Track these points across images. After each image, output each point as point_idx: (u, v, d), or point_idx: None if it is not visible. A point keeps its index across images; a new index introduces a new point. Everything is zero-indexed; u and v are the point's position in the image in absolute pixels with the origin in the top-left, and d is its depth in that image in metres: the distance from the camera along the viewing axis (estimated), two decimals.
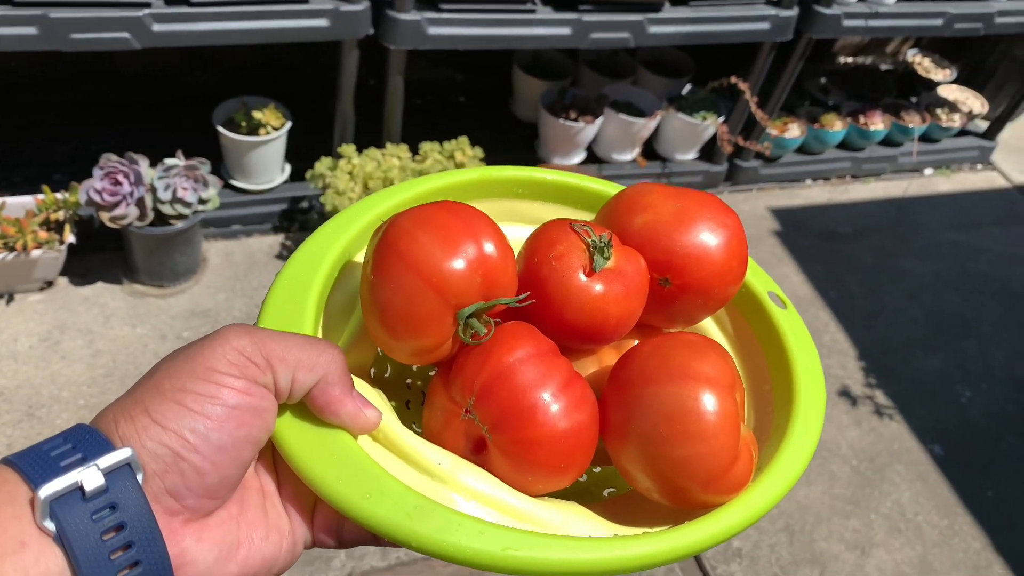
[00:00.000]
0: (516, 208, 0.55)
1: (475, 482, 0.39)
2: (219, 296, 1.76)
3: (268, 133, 1.76)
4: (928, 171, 2.66)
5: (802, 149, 2.44)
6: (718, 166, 2.30)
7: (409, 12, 1.60)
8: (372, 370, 0.52)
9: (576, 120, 2.04)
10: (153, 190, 1.56)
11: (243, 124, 1.76)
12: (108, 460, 0.31)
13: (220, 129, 1.75)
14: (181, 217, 1.60)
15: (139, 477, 0.32)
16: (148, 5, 1.43)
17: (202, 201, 1.61)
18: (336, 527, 0.40)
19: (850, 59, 2.82)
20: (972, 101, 2.75)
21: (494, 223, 0.42)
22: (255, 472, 0.39)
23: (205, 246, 1.84)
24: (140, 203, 1.54)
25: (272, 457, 0.40)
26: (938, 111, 2.61)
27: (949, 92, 2.77)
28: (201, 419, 0.33)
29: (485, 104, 2.30)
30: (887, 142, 2.55)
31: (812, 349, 0.49)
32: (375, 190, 1.70)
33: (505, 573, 0.36)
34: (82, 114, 1.93)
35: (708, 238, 0.46)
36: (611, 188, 0.54)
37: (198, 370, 0.34)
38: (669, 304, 0.47)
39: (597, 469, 0.53)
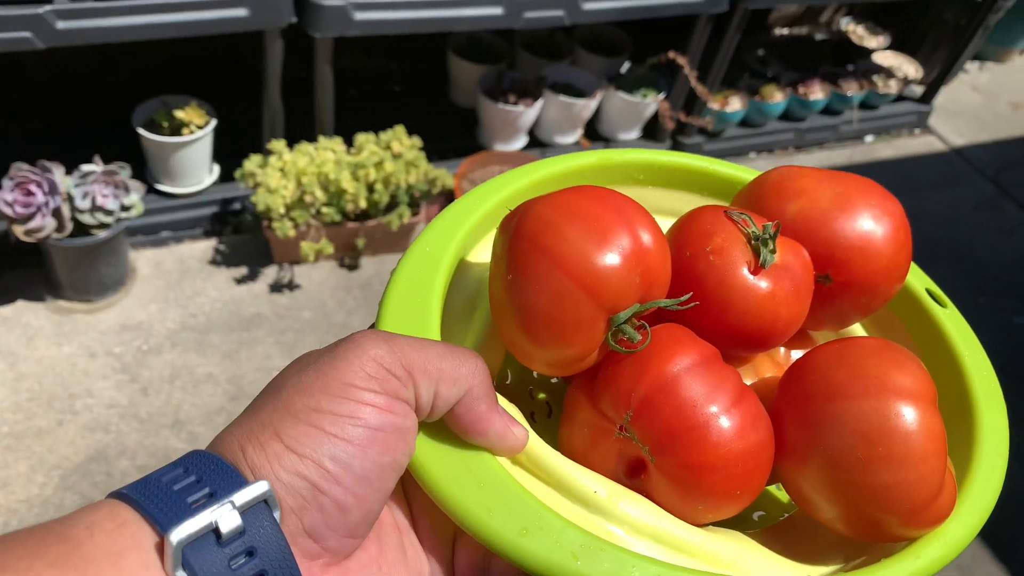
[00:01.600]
0: (637, 196, 0.48)
1: (638, 513, 0.35)
2: (151, 307, 1.67)
3: (192, 133, 1.67)
4: (869, 138, 2.67)
5: (744, 122, 2.42)
6: (661, 144, 2.27)
7: None
8: (494, 379, 0.46)
9: (516, 104, 1.98)
10: (70, 199, 1.46)
11: (165, 125, 1.67)
12: (243, 496, 0.27)
13: (141, 131, 1.65)
14: (103, 226, 1.51)
15: (276, 516, 0.28)
16: (50, 1, 1.33)
17: (124, 208, 1.51)
18: (482, 567, 0.35)
19: (786, 30, 2.81)
20: (907, 66, 2.77)
21: (645, 210, 0.37)
22: (386, 506, 0.34)
23: (133, 255, 1.74)
24: (57, 214, 1.45)
25: (403, 488, 0.35)
26: (875, 78, 2.61)
27: (884, 59, 2.78)
28: (342, 444, 0.29)
29: (422, 92, 2.23)
30: (827, 111, 2.55)
31: (982, 354, 0.43)
32: (308, 186, 1.63)
33: None
34: None
35: (874, 228, 0.41)
36: (744, 173, 0.49)
37: (333, 386, 0.29)
38: (825, 304, 0.42)
39: None
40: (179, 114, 1.66)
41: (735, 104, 2.33)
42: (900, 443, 0.34)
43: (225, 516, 0.26)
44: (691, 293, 0.37)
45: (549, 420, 0.47)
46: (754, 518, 0.45)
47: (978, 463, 0.39)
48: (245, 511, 0.27)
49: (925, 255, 2.31)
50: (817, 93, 2.45)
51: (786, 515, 0.44)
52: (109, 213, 1.49)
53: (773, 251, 0.39)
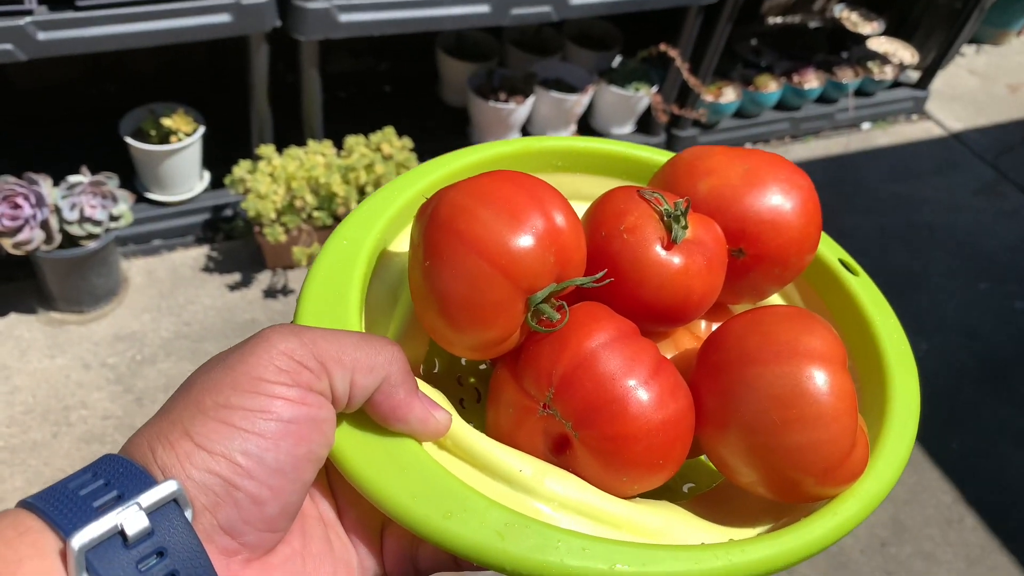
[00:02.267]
0: (556, 183, 0.49)
1: (563, 488, 0.35)
2: (144, 317, 1.66)
3: (180, 140, 1.66)
4: (866, 125, 2.65)
5: (739, 113, 2.40)
6: (656, 137, 2.25)
7: (317, 0, 1.51)
8: (421, 367, 0.47)
9: (507, 101, 1.97)
10: (58, 211, 1.45)
11: (153, 133, 1.66)
12: (151, 497, 0.26)
13: (128, 140, 1.64)
14: (92, 237, 1.50)
15: (188, 514, 0.27)
16: (30, 12, 1.32)
17: (113, 218, 1.51)
18: (410, 555, 0.35)
19: (779, 19, 2.79)
20: (902, 52, 2.74)
21: (558, 192, 0.38)
22: (311, 499, 0.34)
23: (125, 265, 1.73)
24: (45, 226, 1.44)
25: (328, 480, 0.36)
26: (870, 64, 2.59)
27: (879, 45, 2.75)
28: (253, 438, 0.28)
29: (412, 92, 2.22)
30: (823, 99, 2.53)
31: (893, 318, 0.45)
32: (299, 191, 1.62)
33: None
34: None
35: (783, 201, 0.42)
36: (659, 155, 0.50)
37: (242, 381, 0.29)
38: (740, 277, 0.43)
39: None
40: (167, 122, 1.65)
41: (729, 95, 2.31)
42: (811, 404, 0.35)
43: (131, 518, 0.26)
44: (606, 270, 0.38)
45: (478, 405, 0.47)
46: (684, 490, 0.46)
47: (890, 422, 0.40)
48: (153, 512, 0.26)
49: (925, 241, 2.29)
50: (812, 81, 2.43)
51: (714, 485, 0.44)
52: (98, 223, 1.48)
53: (685, 227, 0.39)
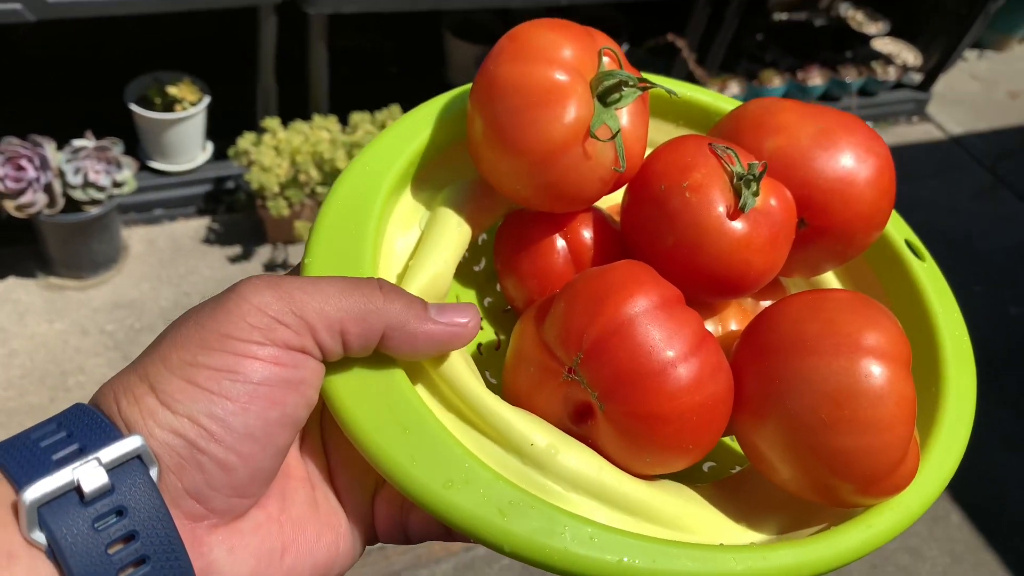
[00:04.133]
0: None
1: (576, 465, 0.32)
2: (144, 286, 1.66)
3: (185, 109, 1.65)
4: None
5: None
6: None
7: None
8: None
9: None
10: (62, 175, 1.45)
11: (158, 101, 1.65)
12: (113, 452, 0.25)
13: (133, 107, 1.64)
14: (95, 202, 1.50)
15: (153, 473, 0.26)
16: None
17: (117, 184, 1.50)
18: (401, 521, 0.33)
19: (784, 15, 2.80)
20: (906, 53, 2.75)
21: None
22: (300, 458, 0.32)
23: (126, 233, 1.73)
24: (48, 189, 1.43)
25: (322, 439, 0.34)
26: (873, 64, 2.60)
27: (883, 45, 2.76)
28: (220, 400, 0.27)
29: (417, 72, 2.21)
30: (826, 97, 2.54)
31: (957, 313, 0.41)
32: (303, 165, 1.61)
33: None
34: None
35: (856, 169, 0.38)
36: (724, 102, 0.46)
37: (210, 338, 0.27)
38: (798, 249, 0.39)
39: None
40: (172, 90, 1.65)
41: (733, 88, 2.32)
42: (867, 407, 0.31)
43: (88, 474, 0.24)
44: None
45: (497, 353, 0.44)
46: (704, 469, 0.42)
47: (940, 430, 0.37)
48: (113, 468, 0.25)
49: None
50: (815, 79, 2.44)
51: (737, 468, 0.41)
52: (101, 189, 1.48)
53: (756, 193, 0.36)
